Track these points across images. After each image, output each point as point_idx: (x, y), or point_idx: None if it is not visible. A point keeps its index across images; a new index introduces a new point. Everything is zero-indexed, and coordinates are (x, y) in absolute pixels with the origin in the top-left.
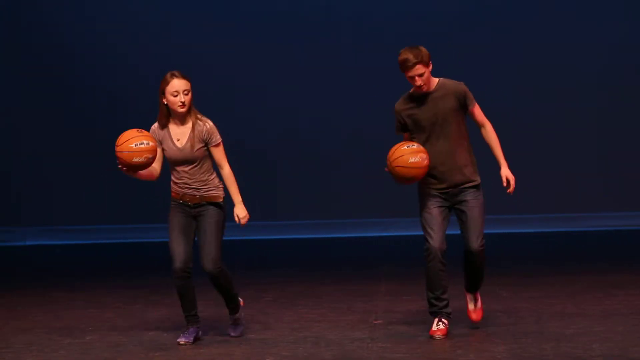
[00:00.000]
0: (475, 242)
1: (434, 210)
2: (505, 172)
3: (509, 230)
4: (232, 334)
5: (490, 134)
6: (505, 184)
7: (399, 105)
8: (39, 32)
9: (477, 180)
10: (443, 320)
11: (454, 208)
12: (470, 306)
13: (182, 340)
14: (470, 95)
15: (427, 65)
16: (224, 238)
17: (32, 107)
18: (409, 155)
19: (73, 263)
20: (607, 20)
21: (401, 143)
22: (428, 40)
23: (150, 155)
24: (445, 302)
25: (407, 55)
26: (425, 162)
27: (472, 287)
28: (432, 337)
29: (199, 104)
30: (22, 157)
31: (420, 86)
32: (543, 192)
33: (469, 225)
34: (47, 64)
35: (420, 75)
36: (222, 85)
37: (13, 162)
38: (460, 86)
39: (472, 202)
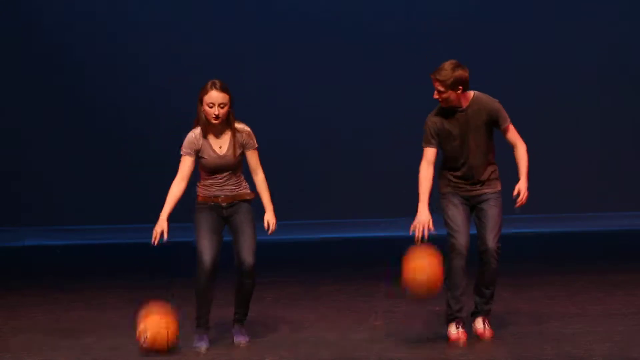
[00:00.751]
0: (492, 241)
1: (458, 208)
2: (521, 185)
3: (510, 230)
4: (243, 340)
5: (521, 154)
6: (515, 194)
7: (432, 117)
8: (39, 32)
9: (499, 187)
10: (462, 325)
11: (474, 208)
12: (479, 326)
13: (203, 347)
14: (503, 113)
15: (447, 89)
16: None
17: (31, 106)
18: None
19: (72, 263)
20: (607, 20)
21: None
22: (428, 40)
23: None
24: (460, 305)
25: (438, 69)
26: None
27: (482, 298)
28: (454, 342)
29: (196, 103)
30: (21, 157)
31: (441, 102)
32: (543, 192)
33: (487, 223)
34: (47, 64)
35: (439, 92)
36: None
37: (13, 162)
38: (495, 104)
39: (492, 201)
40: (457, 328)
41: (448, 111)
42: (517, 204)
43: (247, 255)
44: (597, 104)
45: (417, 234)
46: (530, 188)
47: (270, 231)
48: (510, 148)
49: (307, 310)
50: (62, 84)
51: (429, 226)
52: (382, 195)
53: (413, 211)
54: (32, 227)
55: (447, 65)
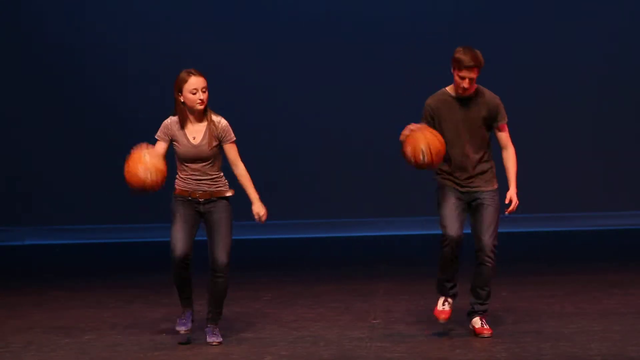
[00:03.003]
0: (488, 239)
1: (452, 200)
2: (512, 193)
3: (509, 230)
4: (215, 340)
5: (510, 157)
6: (507, 202)
7: (431, 100)
8: (39, 32)
9: (495, 186)
10: (448, 300)
11: (470, 206)
12: (478, 325)
13: (182, 329)
14: (502, 111)
15: (479, 72)
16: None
17: (31, 106)
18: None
19: (72, 263)
20: (607, 20)
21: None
22: (428, 40)
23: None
24: (452, 284)
25: (468, 55)
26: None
27: (478, 299)
28: (436, 318)
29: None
30: (21, 157)
31: (465, 89)
32: (543, 192)
33: (483, 223)
34: (47, 64)
35: (471, 80)
36: (221, 85)
37: (12, 162)
38: (496, 100)
39: (489, 200)
40: (444, 305)
41: (450, 98)
42: (508, 211)
43: (221, 254)
44: (597, 104)
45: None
46: (529, 187)
47: (262, 221)
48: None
49: (306, 309)
50: (62, 84)
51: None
52: (381, 195)
53: (412, 211)
54: (32, 226)
55: (469, 49)
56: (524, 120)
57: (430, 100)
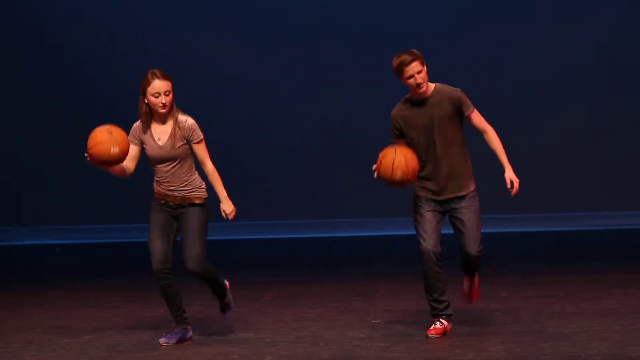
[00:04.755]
0: (473, 248)
1: (428, 214)
2: (510, 174)
3: (508, 230)
4: (226, 316)
5: (493, 139)
6: (509, 186)
7: (395, 110)
8: (38, 32)
9: (472, 187)
10: (441, 320)
11: (448, 215)
12: (465, 286)
13: (162, 341)
14: (466, 101)
15: (423, 64)
16: (209, 237)
17: (31, 106)
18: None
19: (72, 262)
20: (607, 20)
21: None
22: (427, 39)
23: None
24: (445, 304)
25: (402, 56)
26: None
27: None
28: (427, 336)
29: (196, 103)
30: (21, 157)
31: (420, 84)
32: (542, 192)
33: (465, 233)
34: (46, 64)
35: (419, 72)
36: (221, 85)
37: (12, 162)
38: (456, 92)
39: (467, 209)
40: (435, 325)
41: (412, 104)
42: (513, 193)
43: (191, 263)
44: (597, 104)
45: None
46: (529, 187)
47: (230, 219)
48: (481, 138)
49: (306, 309)
50: (62, 84)
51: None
52: (381, 195)
53: (411, 211)
54: (32, 226)
55: (401, 52)
56: (523, 120)
57: (394, 112)
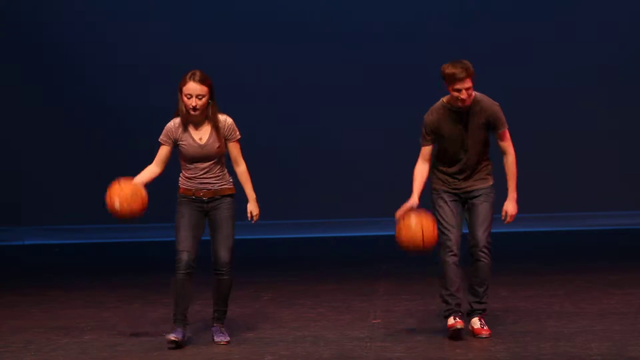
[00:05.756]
0: (481, 236)
1: (450, 205)
2: (508, 206)
3: (508, 230)
4: (223, 340)
5: (510, 164)
6: (502, 217)
7: (431, 116)
8: (38, 32)
9: (490, 182)
10: (458, 318)
11: (465, 203)
12: (476, 325)
13: (172, 337)
14: (502, 118)
15: (473, 81)
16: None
17: (31, 106)
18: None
19: (71, 262)
20: (607, 20)
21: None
22: (428, 40)
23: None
24: (458, 301)
25: (458, 67)
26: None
27: (475, 297)
28: (450, 329)
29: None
30: (21, 157)
31: (464, 100)
32: (542, 192)
33: (477, 219)
34: (46, 64)
35: (468, 89)
36: (221, 85)
37: (12, 162)
38: (494, 107)
39: (483, 197)
40: (455, 319)
41: (449, 110)
42: (506, 222)
43: (223, 252)
44: (597, 104)
45: (397, 213)
46: (528, 187)
47: (253, 221)
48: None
49: (306, 308)
50: (61, 85)
51: (412, 208)
52: (381, 195)
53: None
54: (32, 226)
55: (457, 62)
56: (523, 120)
57: (429, 117)
